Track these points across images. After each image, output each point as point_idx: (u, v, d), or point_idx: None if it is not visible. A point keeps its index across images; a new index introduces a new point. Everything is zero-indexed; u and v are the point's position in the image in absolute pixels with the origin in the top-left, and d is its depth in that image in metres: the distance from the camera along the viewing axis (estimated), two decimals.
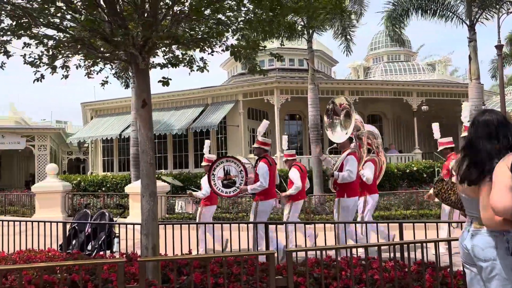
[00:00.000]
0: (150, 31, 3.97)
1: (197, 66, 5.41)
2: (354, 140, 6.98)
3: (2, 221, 7.10)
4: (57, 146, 27.18)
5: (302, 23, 14.47)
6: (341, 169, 6.65)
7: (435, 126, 7.69)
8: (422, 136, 22.01)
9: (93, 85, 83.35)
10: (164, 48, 5.14)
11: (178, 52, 5.48)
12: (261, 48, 5.35)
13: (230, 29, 5.06)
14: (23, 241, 6.69)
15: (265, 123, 7.48)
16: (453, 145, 6.96)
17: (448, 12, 14.83)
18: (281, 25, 5.45)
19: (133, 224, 6.26)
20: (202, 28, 4.88)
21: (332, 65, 29.61)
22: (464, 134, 6.58)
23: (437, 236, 5.32)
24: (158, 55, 5.32)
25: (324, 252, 4.51)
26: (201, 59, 5.52)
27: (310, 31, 15.25)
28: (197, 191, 7.89)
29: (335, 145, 7.15)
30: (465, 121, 6.71)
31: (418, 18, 15.31)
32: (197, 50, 5.22)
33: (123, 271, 2.98)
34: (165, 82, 4.49)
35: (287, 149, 8.20)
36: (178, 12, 4.36)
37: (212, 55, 5.09)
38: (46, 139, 23.39)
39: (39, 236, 6.80)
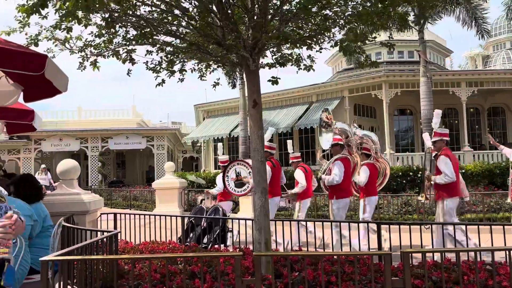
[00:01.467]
0: (260, 32, 4.08)
1: (304, 64, 5.44)
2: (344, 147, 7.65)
3: (129, 214, 7.81)
4: (173, 145, 29.20)
5: (414, 13, 13.70)
6: (330, 172, 7.35)
7: (426, 136, 7.49)
8: None
9: (205, 88, 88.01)
10: (272, 48, 5.24)
11: (286, 51, 5.56)
12: (370, 40, 5.20)
13: (337, 24, 4.99)
14: (147, 233, 7.30)
15: (270, 129, 8.75)
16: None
17: None
18: (391, 16, 5.24)
19: (245, 219, 6.49)
20: (309, 26, 4.87)
21: (445, 55, 27.69)
22: (435, 139, 6.75)
23: None
24: (267, 56, 5.44)
25: (440, 254, 4.24)
26: (309, 56, 5.53)
27: (422, 21, 14.42)
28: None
29: (327, 151, 8.00)
30: (435, 127, 6.89)
31: None
32: (304, 48, 5.23)
33: (240, 264, 3.11)
34: (274, 81, 4.58)
35: (292, 152, 8.95)
36: (286, 11, 4.41)
37: (321, 52, 5.06)
38: (164, 139, 25.25)
39: (160, 229, 7.38)
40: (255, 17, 4.34)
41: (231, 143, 22.07)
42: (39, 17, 4.90)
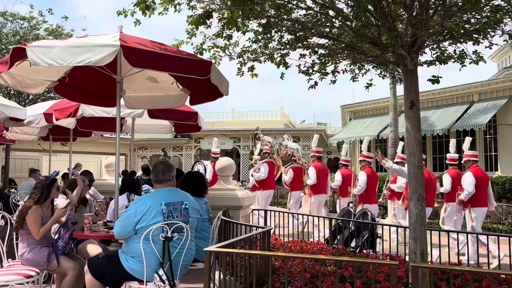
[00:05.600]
0: (422, 29, 3.84)
1: (469, 60, 4.97)
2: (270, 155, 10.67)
3: (278, 212, 8.07)
4: (319, 146, 29.36)
5: None
6: (258, 170, 10.23)
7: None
8: None
9: (352, 88, 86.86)
10: (432, 45, 4.90)
11: (447, 48, 5.15)
12: None
13: (510, 15, 4.44)
14: (294, 231, 7.47)
15: (215, 140, 11.73)
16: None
17: None
18: None
19: (397, 226, 6.19)
20: (477, 18, 4.42)
21: None
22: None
23: None
24: (426, 53, 5.11)
25: None
26: (474, 52, 5.04)
27: None
28: None
29: (258, 157, 10.95)
30: (314, 146, 10.11)
31: None
32: (470, 43, 4.77)
33: (396, 274, 2.97)
34: (435, 80, 4.27)
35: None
36: (450, 5, 4.07)
37: (491, 48, 4.56)
38: (310, 140, 25.57)
39: (308, 228, 7.50)
40: (414, 14, 4.10)
41: (379, 145, 21.30)
42: (204, 27, 5.35)
